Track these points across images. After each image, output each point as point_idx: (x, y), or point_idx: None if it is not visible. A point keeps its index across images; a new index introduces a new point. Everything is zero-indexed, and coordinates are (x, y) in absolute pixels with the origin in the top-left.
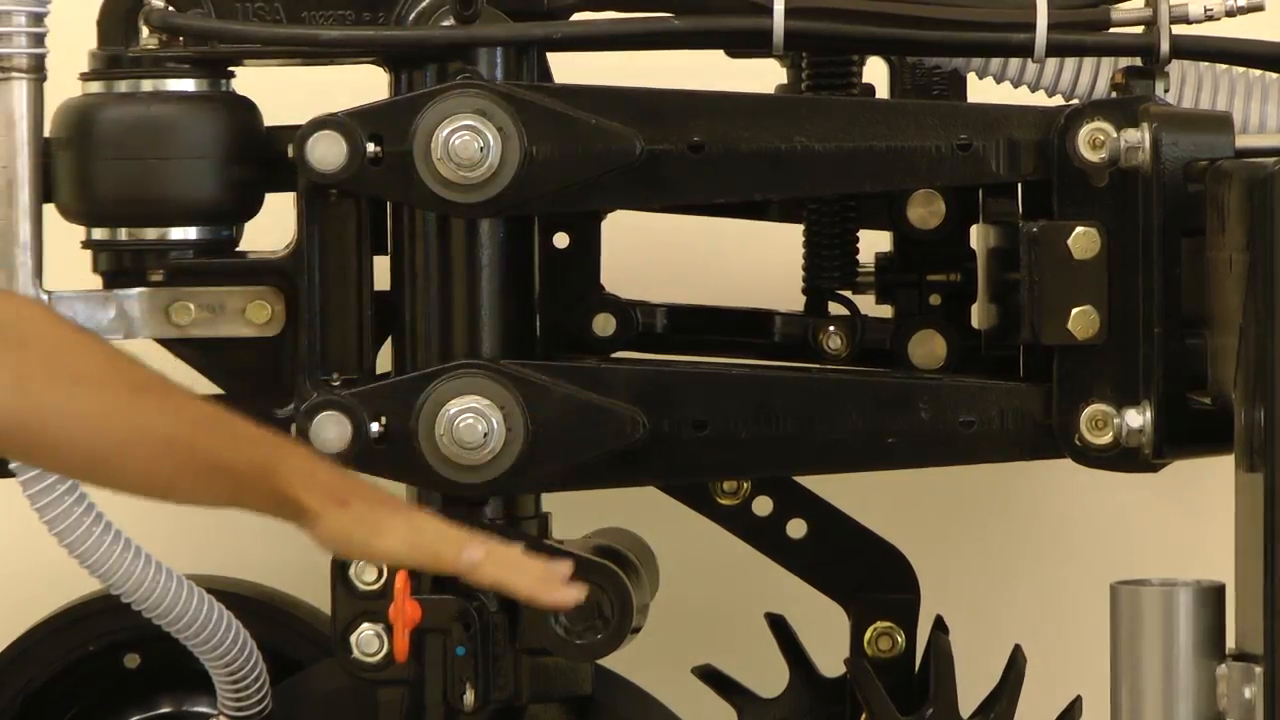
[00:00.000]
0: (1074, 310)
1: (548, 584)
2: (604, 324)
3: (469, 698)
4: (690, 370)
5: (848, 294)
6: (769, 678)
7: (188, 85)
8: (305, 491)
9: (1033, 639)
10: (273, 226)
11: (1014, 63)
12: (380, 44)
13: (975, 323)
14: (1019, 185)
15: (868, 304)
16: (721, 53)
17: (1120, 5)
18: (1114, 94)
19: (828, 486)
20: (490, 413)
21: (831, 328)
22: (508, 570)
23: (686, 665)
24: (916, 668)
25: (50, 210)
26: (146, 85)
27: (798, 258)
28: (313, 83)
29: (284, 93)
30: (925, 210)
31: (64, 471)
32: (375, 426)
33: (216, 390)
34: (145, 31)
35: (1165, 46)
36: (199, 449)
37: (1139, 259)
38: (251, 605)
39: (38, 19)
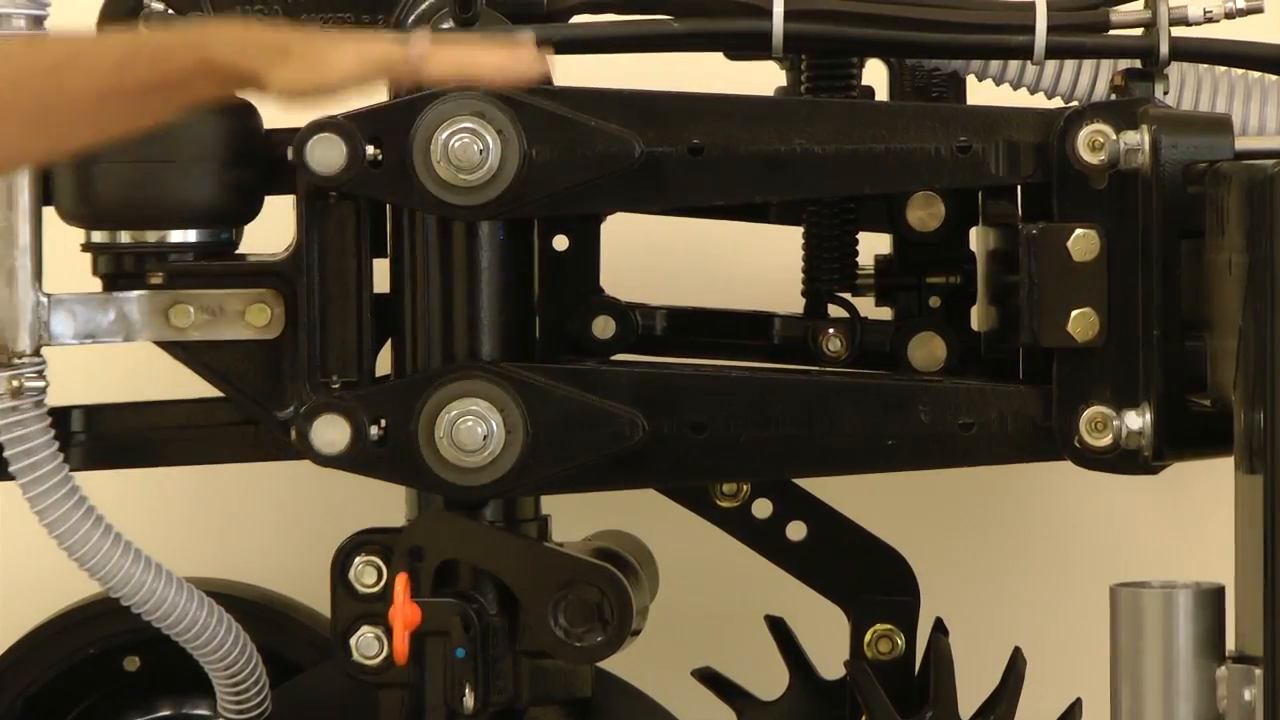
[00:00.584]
0: (1073, 312)
1: (511, 54)
2: (603, 326)
3: (469, 700)
4: (690, 373)
5: (847, 296)
6: (769, 680)
7: None
8: (245, 58)
9: (1033, 641)
10: (272, 229)
11: (1013, 65)
12: None
13: (975, 325)
14: (1018, 187)
15: (867, 306)
16: (721, 55)
17: (1120, 7)
18: (1113, 96)
19: (827, 489)
20: (490, 415)
21: (831, 330)
22: (463, 52)
23: (686, 668)
24: (916, 670)
25: (50, 213)
26: None
27: (797, 260)
28: None
29: None
30: (925, 212)
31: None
32: (375, 429)
33: (216, 393)
34: None
35: (1165, 49)
36: (135, 83)
37: (1138, 261)
38: (251, 608)
39: (37, 21)
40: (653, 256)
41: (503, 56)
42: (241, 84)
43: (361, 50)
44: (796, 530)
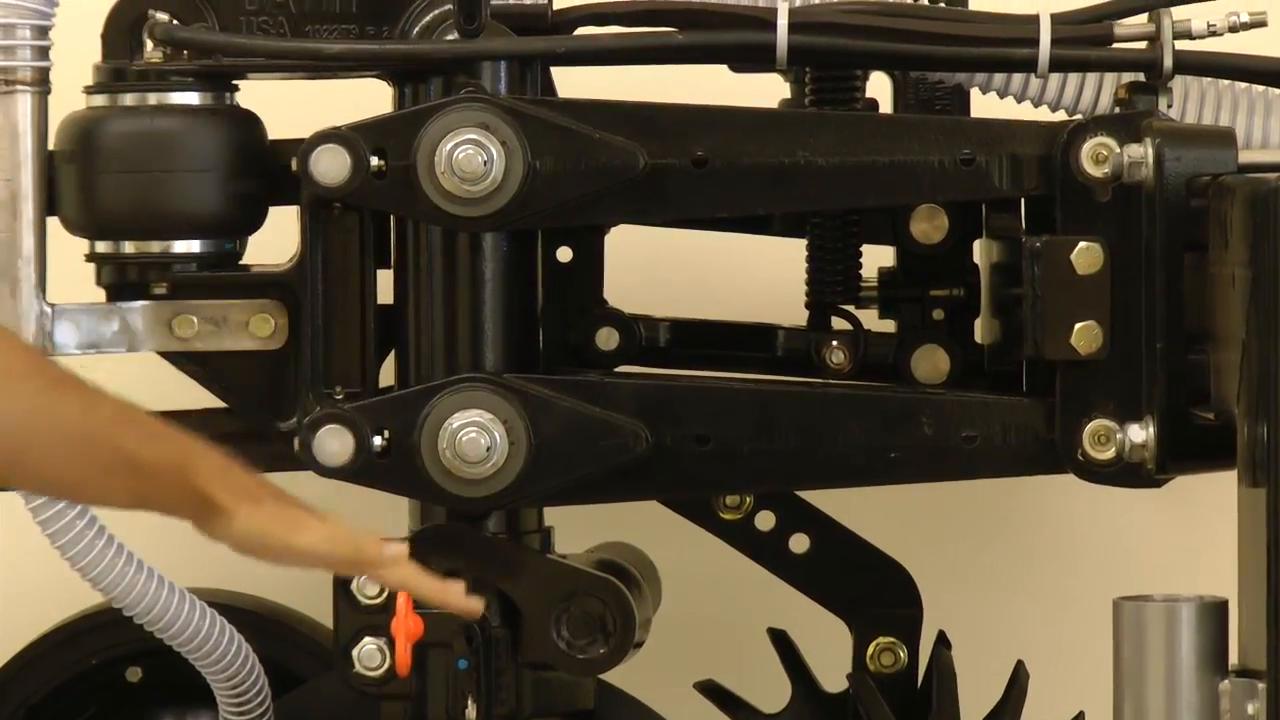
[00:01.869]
0: (1077, 325)
1: (453, 591)
2: (607, 338)
3: (471, 712)
4: (693, 384)
5: (851, 309)
6: (771, 693)
7: (192, 99)
8: (220, 489)
9: (1035, 655)
10: (276, 240)
11: (1017, 78)
12: (384, 58)
13: (978, 338)
14: (1022, 200)
15: (871, 319)
16: (725, 68)
17: (1124, 21)
18: (1117, 109)
19: (830, 501)
20: (493, 426)
21: (834, 342)
22: (419, 577)
23: (689, 680)
24: (919, 683)
25: (54, 223)
26: (151, 98)
27: (801, 272)
28: (316, 96)
29: (288, 106)
30: (928, 225)
31: None
32: (378, 440)
33: (219, 404)
34: (149, 45)
35: (1168, 62)
36: (116, 445)
37: (1142, 274)
38: (254, 619)
39: (42, 32)
40: (656, 268)
41: (447, 593)
42: (204, 514)
43: (334, 531)
44: (799, 543)
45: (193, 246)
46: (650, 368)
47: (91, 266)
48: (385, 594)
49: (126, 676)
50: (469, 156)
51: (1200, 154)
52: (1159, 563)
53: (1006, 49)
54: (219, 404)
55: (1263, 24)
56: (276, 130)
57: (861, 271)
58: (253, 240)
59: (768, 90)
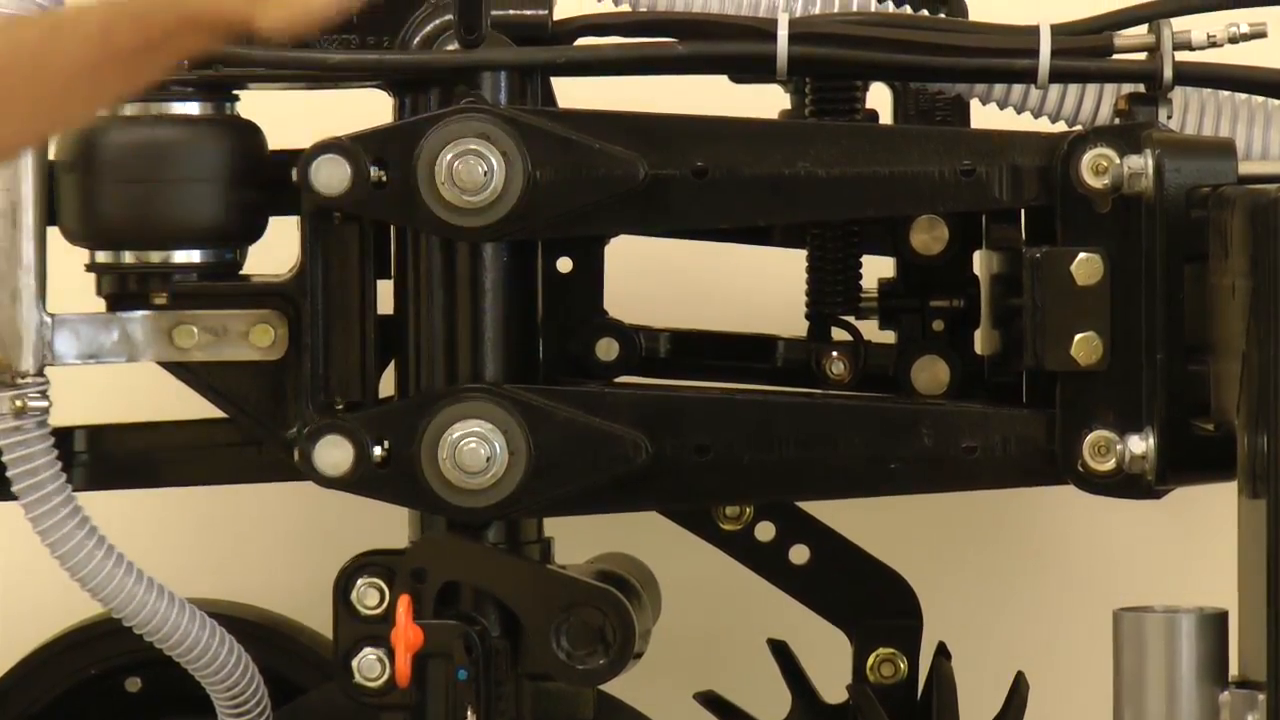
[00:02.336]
0: (1077, 336)
1: None
2: (607, 348)
3: None
4: (693, 395)
5: (851, 319)
6: (771, 703)
7: (192, 108)
8: (224, 5)
9: (1035, 666)
10: (276, 250)
11: (1017, 89)
12: (384, 68)
13: (978, 348)
14: (1022, 211)
15: (871, 329)
16: (725, 78)
17: (1123, 32)
18: (1117, 120)
19: (830, 512)
20: (493, 437)
21: (834, 353)
22: None
23: (689, 691)
24: (919, 694)
25: (54, 233)
26: (151, 108)
27: (801, 283)
28: (317, 106)
29: (288, 116)
30: (928, 236)
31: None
32: (378, 450)
33: (219, 413)
34: None
35: (1168, 73)
36: (121, 47)
37: (1142, 285)
38: (253, 629)
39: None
40: (656, 279)
41: None
42: (227, 30)
43: None
44: (799, 553)
45: (193, 256)
46: (650, 378)
47: (91, 276)
48: (386, 604)
49: (126, 687)
50: (469, 167)
51: (1200, 165)
52: (1159, 573)
53: (1006, 60)
54: (218, 414)
55: (1262, 35)
56: (277, 140)
57: (861, 282)
58: (253, 250)
59: (768, 101)
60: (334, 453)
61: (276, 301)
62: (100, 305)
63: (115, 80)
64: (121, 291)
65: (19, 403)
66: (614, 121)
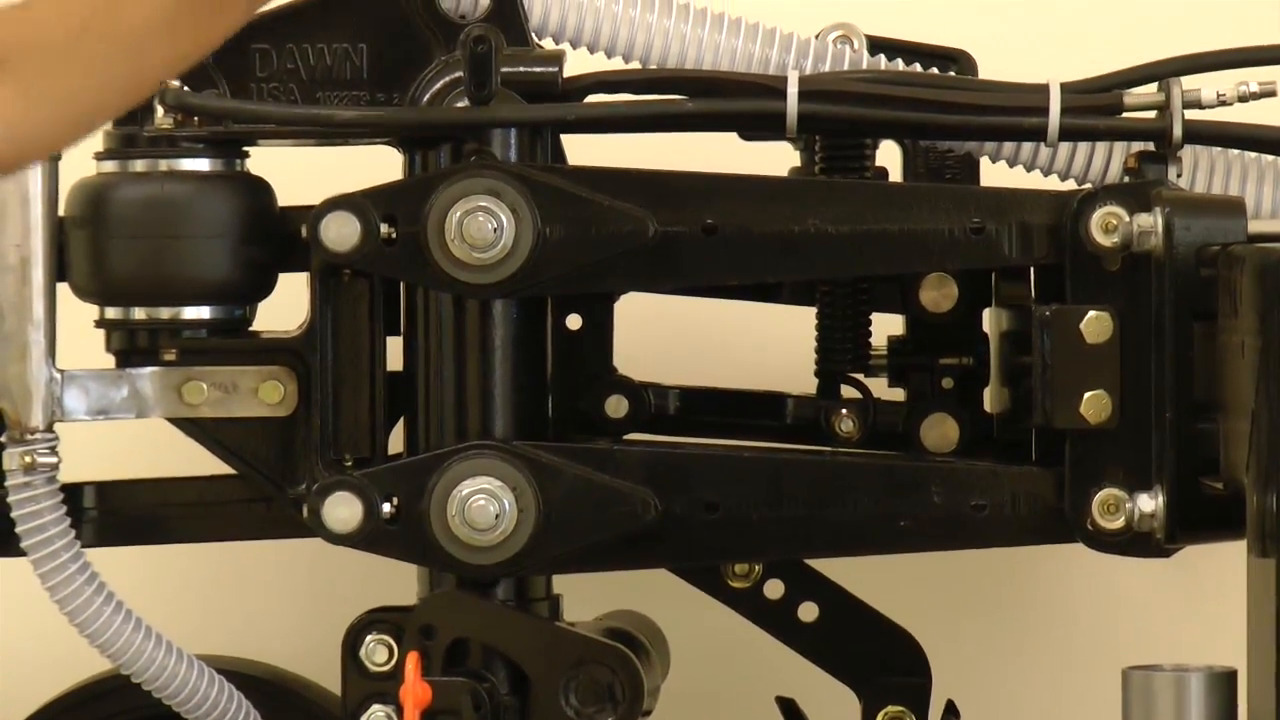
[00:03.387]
0: (1086, 394)
1: None
2: (616, 405)
3: None
4: (702, 452)
5: (860, 377)
6: None
7: (202, 165)
8: None
9: None
10: (286, 306)
11: (1027, 147)
12: (394, 125)
13: (988, 406)
14: (1031, 269)
15: (880, 387)
16: (735, 135)
17: (1133, 90)
18: (1126, 178)
19: (840, 570)
20: (502, 494)
21: (844, 410)
22: None
23: None
24: None
25: (64, 289)
26: (161, 164)
27: (810, 340)
28: (327, 163)
29: (298, 173)
30: (938, 293)
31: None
32: (387, 507)
33: (228, 470)
34: (160, 111)
35: (1178, 131)
36: None
37: (1151, 343)
38: (261, 686)
39: None
40: (666, 336)
41: None
42: None
43: None
44: (808, 611)
45: (202, 312)
46: (659, 435)
47: (101, 332)
48: (394, 661)
49: None
50: (479, 223)
51: (1210, 223)
52: (1167, 632)
53: (1016, 118)
54: (228, 470)
55: (1272, 94)
56: (287, 197)
57: (871, 340)
58: (262, 306)
59: (777, 158)
60: (343, 509)
61: (286, 358)
62: (109, 361)
63: (190, 35)
64: (131, 347)
65: (28, 459)
66: (624, 178)
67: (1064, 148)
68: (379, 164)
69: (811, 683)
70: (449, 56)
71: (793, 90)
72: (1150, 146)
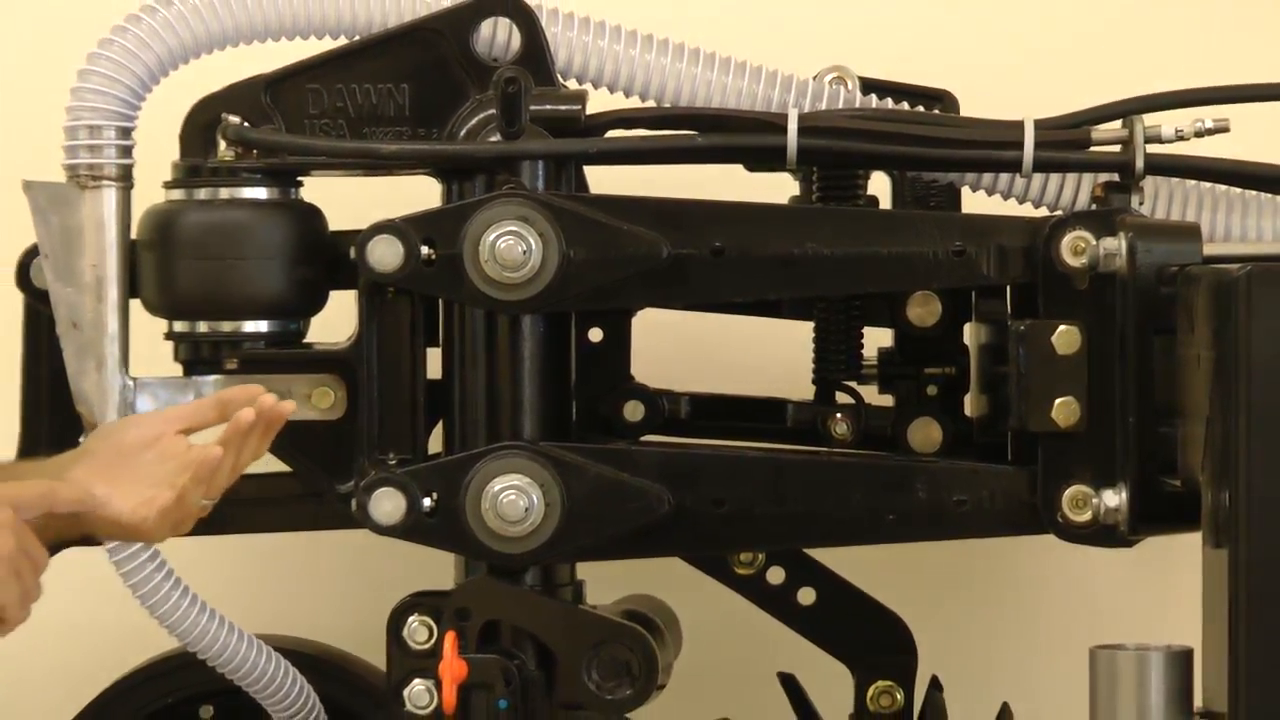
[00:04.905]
0: (1057, 401)
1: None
2: (633, 410)
3: None
4: (711, 453)
5: (853, 385)
6: None
7: (260, 193)
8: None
9: (1020, 698)
10: (336, 321)
11: (1004, 177)
12: (434, 157)
13: (968, 411)
14: (1008, 287)
15: (871, 394)
16: (740, 167)
17: (1100, 126)
18: (1094, 206)
19: (835, 558)
20: (530, 489)
21: (838, 415)
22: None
23: (707, 718)
24: None
25: (136, 305)
26: (223, 193)
27: (808, 352)
28: (372, 191)
29: (347, 200)
30: (923, 309)
31: None
32: (427, 501)
33: (284, 468)
34: (222, 145)
35: (1140, 164)
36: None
37: (1116, 355)
38: (315, 662)
39: (125, 133)
40: (678, 347)
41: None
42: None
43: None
44: (806, 595)
45: (260, 326)
46: (672, 437)
47: (169, 344)
48: (434, 640)
49: (200, 714)
50: (509, 246)
51: (1169, 247)
52: (1131, 615)
53: (994, 151)
54: (284, 468)
55: (1225, 130)
56: (337, 222)
57: (863, 351)
58: (315, 321)
59: (778, 187)
60: (387, 504)
61: (336, 367)
62: (177, 370)
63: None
64: (196, 357)
65: None
66: (640, 206)
67: (1037, 178)
68: (420, 193)
69: (809, 660)
70: (483, 96)
71: (793, 127)
72: (1115, 177)
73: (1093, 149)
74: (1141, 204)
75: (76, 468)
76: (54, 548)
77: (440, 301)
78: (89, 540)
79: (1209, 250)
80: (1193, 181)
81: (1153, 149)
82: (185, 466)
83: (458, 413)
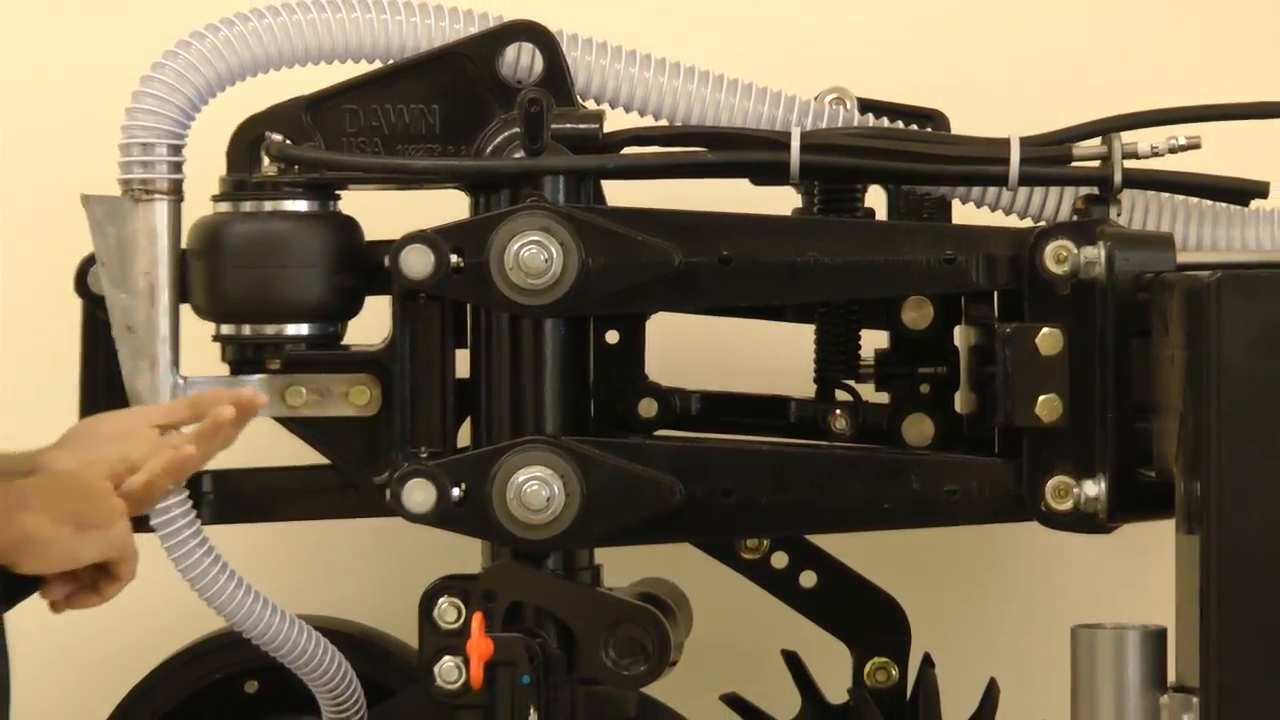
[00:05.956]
0: (1041, 398)
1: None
2: (647, 407)
3: None
4: (720, 446)
5: (852, 383)
6: (784, 705)
7: (301, 206)
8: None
9: (1005, 673)
10: (371, 324)
11: (991, 190)
12: (462, 172)
13: (958, 408)
14: (995, 293)
15: (868, 391)
16: (746, 181)
17: (1080, 143)
18: (1075, 217)
19: (834, 543)
20: (552, 480)
21: (838, 411)
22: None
23: (716, 693)
24: (908, 697)
25: (186, 309)
26: (267, 206)
27: (810, 353)
28: (405, 204)
29: (382, 212)
30: (916, 313)
31: None
32: (456, 491)
33: (324, 460)
34: (266, 161)
35: (1118, 178)
36: None
37: (1096, 355)
38: (351, 640)
39: (176, 149)
40: (689, 349)
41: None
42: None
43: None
44: (808, 578)
45: (301, 329)
46: (683, 432)
47: (217, 346)
48: (462, 620)
49: (245, 689)
50: (533, 255)
51: (1145, 255)
52: (1109, 596)
53: (982, 167)
54: (323, 460)
55: (1197, 146)
56: (372, 232)
57: (861, 352)
58: (352, 324)
59: (782, 200)
60: (419, 494)
61: (371, 367)
62: (224, 370)
63: None
64: (242, 358)
65: None
66: (653, 217)
67: (1022, 191)
68: (449, 205)
69: (810, 638)
70: (508, 115)
71: (795, 144)
72: (1095, 190)
73: (1074, 164)
74: (1119, 215)
75: (54, 452)
76: None
77: (468, 306)
78: None
79: (1182, 258)
80: (1167, 194)
81: (1130, 164)
82: (152, 453)
83: (484, 409)
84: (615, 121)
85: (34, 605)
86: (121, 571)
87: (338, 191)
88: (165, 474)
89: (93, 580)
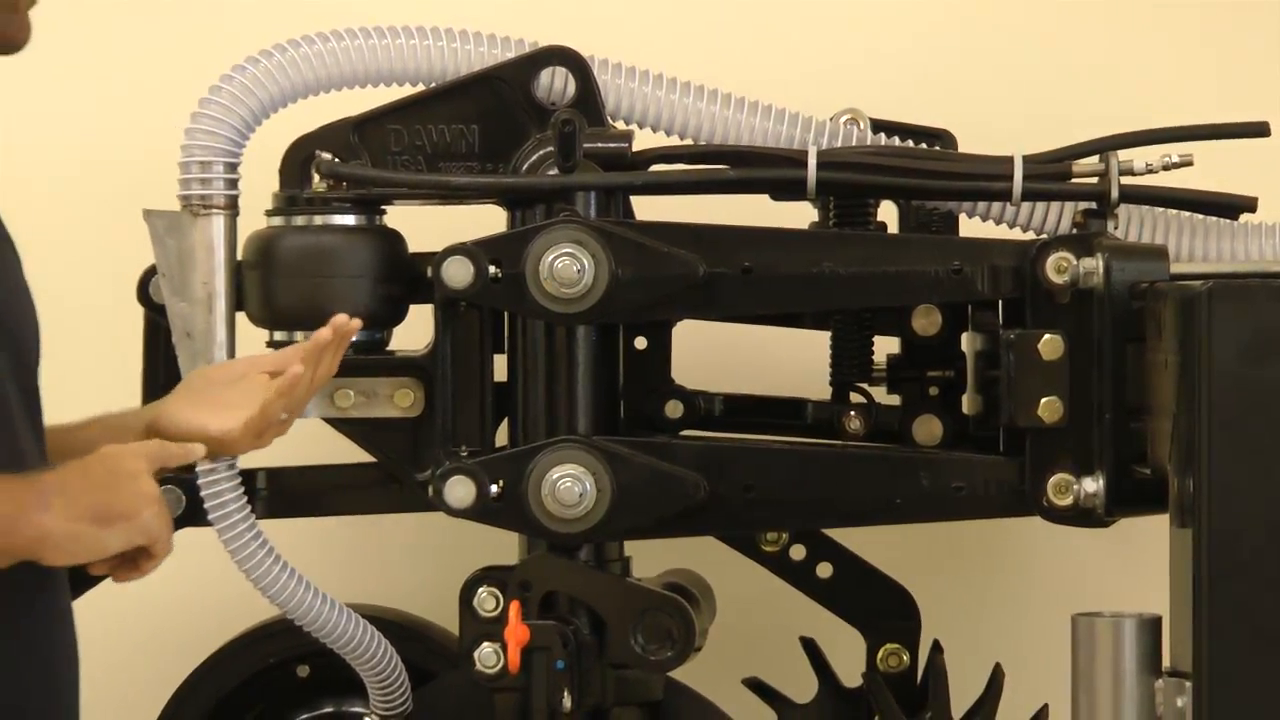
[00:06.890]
0: (1042, 400)
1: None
2: (674, 408)
3: (566, 703)
4: (741, 445)
5: (865, 386)
6: (802, 687)
7: (349, 220)
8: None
9: (1010, 659)
10: (415, 331)
11: (996, 205)
12: (500, 189)
13: (965, 409)
14: (1000, 301)
15: (881, 394)
16: (766, 196)
17: (1079, 160)
18: (1074, 230)
19: (849, 536)
20: (584, 478)
21: (852, 413)
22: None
23: (738, 676)
24: (918, 681)
25: (241, 317)
26: (317, 220)
27: (825, 357)
28: (446, 218)
29: (424, 226)
30: (926, 320)
31: None
32: (494, 488)
33: (370, 458)
34: (316, 178)
35: (1115, 193)
36: None
37: (1094, 360)
38: (396, 627)
39: (232, 167)
40: (713, 354)
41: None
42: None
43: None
44: (824, 569)
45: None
46: (707, 432)
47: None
48: (500, 608)
49: (297, 673)
50: (566, 266)
51: (1140, 266)
52: (1108, 586)
53: (987, 183)
54: (369, 458)
55: (1189, 164)
56: (416, 244)
57: (873, 357)
58: (397, 330)
59: (799, 214)
60: (460, 490)
61: (415, 371)
62: None
63: None
64: None
65: None
66: (679, 230)
67: (1025, 206)
68: (488, 219)
69: (827, 626)
70: (542, 135)
71: (812, 162)
72: (1094, 205)
73: (1073, 181)
74: (1116, 229)
75: (172, 399)
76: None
77: (506, 314)
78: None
79: (1175, 269)
80: (1161, 209)
81: (1126, 180)
82: (267, 392)
83: (521, 411)
84: (643, 141)
85: (104, 597)
86: (157, 550)
87: (383, 206)
88: (278, 395)
89: (132, 556)
